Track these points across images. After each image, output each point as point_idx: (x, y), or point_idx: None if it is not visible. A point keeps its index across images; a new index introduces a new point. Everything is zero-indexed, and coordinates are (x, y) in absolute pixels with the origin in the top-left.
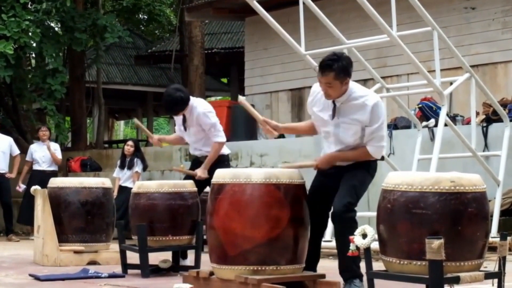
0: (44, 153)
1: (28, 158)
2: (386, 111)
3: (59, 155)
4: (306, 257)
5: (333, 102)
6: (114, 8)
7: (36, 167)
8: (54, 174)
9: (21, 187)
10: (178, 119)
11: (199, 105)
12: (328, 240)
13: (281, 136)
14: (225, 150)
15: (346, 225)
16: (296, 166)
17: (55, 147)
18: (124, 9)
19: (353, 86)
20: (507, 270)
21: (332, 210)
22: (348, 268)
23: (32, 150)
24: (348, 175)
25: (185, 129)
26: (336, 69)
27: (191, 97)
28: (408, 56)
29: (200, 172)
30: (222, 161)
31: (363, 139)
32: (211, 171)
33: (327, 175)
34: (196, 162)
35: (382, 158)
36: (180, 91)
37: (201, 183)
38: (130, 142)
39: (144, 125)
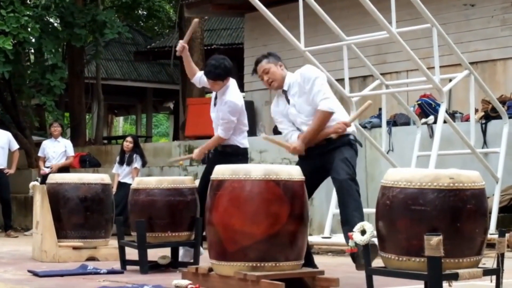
0: (55, 149)
1: (40, 153)
2: (385, 108)
3: (70, 152)
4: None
5: (283, 91)
6: (113, 3)
7: (47, 163)
8: (65, 170)
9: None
10: (213, 93)
11: (230, 95)
12: (327, 237)
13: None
14: (245, 144)
15: (353, 193)
16: (276, 141)
17: (66, 144)
18: (124, 4)
19: (294, 73)
20: (505, 267)
21: (338, 180)
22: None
23: (44, 146)
24: (334, 154)
25: (214, 104)
26: (264, 57)
27: (231, 81)
28: (407, 53)
29: (195, 154)
30: (237, 154)
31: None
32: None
33: (312, 158)
34: (215, 150)
35: (360, 144)
36: (226, 60)
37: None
38: (129, 138)
39: (143, 121)
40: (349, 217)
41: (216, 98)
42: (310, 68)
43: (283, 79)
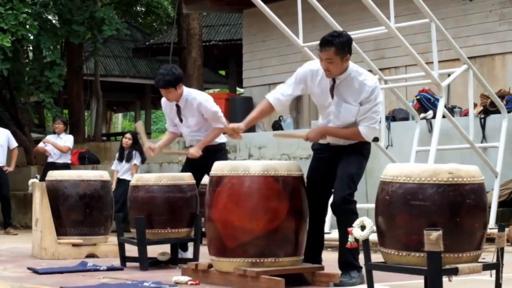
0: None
1: (40, 144)
2: (384, 103)
3: (69, 144)
4: (308, 248)
5: (333, 79)
6: (111, 0)
7: (48, 159)
8: (65, 166)
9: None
10: (171, 112)
11: (198, 95)
12: (327, 232)
13: (280, 128)
14: (223, 138)
15: (346, 217)
16: (287, 135)
17: (66, 139)
18: (122, 1)
19: (353, 66)
20: (505, 261)
21: (332, 202)
22: (347, 261)
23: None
24: (343, 162)
25: (181, 120)
26: (337, 44)
27: (186, 88)
28: (406, 48)
29: (193, 150)
30: (220, 149)
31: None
32: (209, 159)
33: (322, 160)
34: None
35: (376, 139)
36: (174, 67)
37: (198, 174)
38: (128, 135)
39: (142, 118)
40: (341, 241)
41: (179, 113)
42: (377, 85)
43: (340, 73)
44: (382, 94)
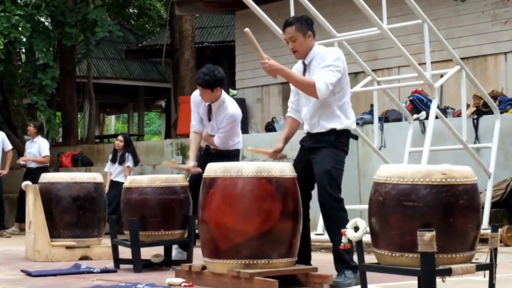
0: (30, 149)
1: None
2: (377, 104)
3: (44, 151)
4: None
5: (304, 63)
6: (104, 2)
7: (28, 164)
8: (42, 170)
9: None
10: (201, 106)
11: (233, 107)
12: (320, 233)
13: (273, 129)
14: (238, 145)
15: (335, 216)
16: (259, 151)
17: (40, 143)
18: (114, 3)
19: (319, 47)
20: (498, 262)
21: (318, 200)
22: (341, 260)
23: (26, 146)
24: (319, 159)
25: (209, 119)
26: (297, 22)
27: (225, 94)
28: (398, 49)
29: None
30: (232, 156)
31: (335, 97)
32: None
33: (304, 151)
34: (207, 154)
35: (356, 138)
36: (217, 69)
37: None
38: (120, 137)
39: (134, 120)
40: (333, 242)
41: (210, 111)
42: (337, 51)
43: (307, 52)
44: (342, 58)
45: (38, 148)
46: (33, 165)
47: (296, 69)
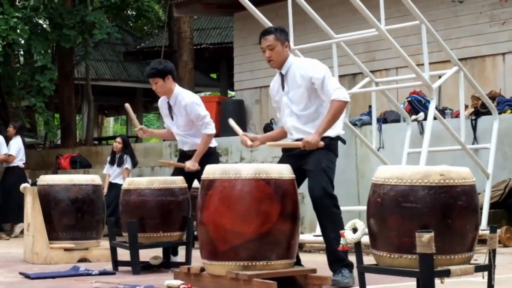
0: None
1: None
2: (375, 105)
3: (10, 150)
4: None
5: (280, 73)
6: (102, 4)
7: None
8: (16, 168)
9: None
10: (164, 108)
11: (188, 96)
12: (319, 235)
13: (271, 130)
14: (213, 143)
15: (329, 212)
16: (283, 144)
17: (12, 142)
18: (113, 5)
19: (295, 58)
20: (497, 263)
21: (311, 198)
22: (337, 258)
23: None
24: (312, 159)
25: (171, 118)
26: (275, 31)
27: (179, 87)
28: (396, 50)
29: (190, 164)
30: (210, 154)
31: (319, 101)
32: (199, 165)
33: (291, 157)
34: (184, 156)
35: (343, 142)
36: (165, 61)
37: (189, 178)
38: (118, 139)
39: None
40: (327, 240)
41: (170, 110)
42: (315, 63)
43: (283, 61)
44: (321, 64)
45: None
46: (10, 164)
47: (275, 82)
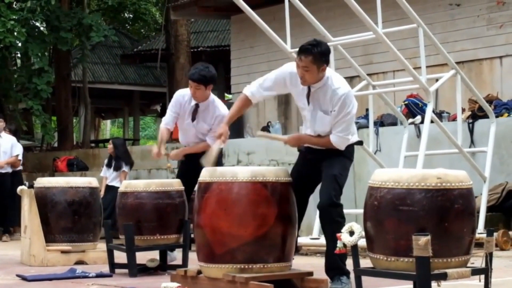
0: None
1: None
2: (372, 108)
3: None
4: None
5: (308, 87)
6: (99, 7)
7: None
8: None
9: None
10: (184, 106)
11: (223, 107)
12: (316, 238)
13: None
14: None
15: (333, 220)
16: (270, 136)
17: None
18: (110, 8)
19: (331, 75)
20: (494, 266)
21: (318, 205)
22: (335, 265)
23: None
24: (326, 165)
25: (193, 119)
26: (315, 53)
27: (212, 94)
28: (393, 53)
29: (173, 153)
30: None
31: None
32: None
33: (306, 162)
34: (190, 157)
35: (361, 143)
36: (210, 67)
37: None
38: (110, 141)
39: (130, 124)
40: (328, 246)
41: (195, 112)
42: (351, 95)
43: (315, 82)
44: (356, 104)
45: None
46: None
47: (295, 82)
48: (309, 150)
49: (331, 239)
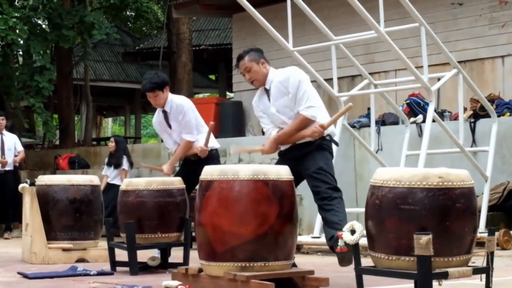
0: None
1: None
2: (374, 107)
3: (19, 147)
4: None
5: (264, 88)
6: (101, 5)
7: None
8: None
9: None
10: (160, 123)
11: (181, 99)
12: (317, 237)
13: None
14: (215, 144)
15: (335, 201)
16: (245, 150)
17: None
18: (112, 6)
19: (272, 71)
20: (495, 265)
21: (318, 195)
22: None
23: None
24: (309, 161)
25: (169, 126)
26: (247, 53)
27: (171, 94)
28: (395, 52)
29: (166, 168)
30: (213, 158)
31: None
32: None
33: (287, 161)
34: (187, 161)
35: (337, 144)
36: (158, 72)
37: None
38: (111, 139)
39: (131, 122)
40: (327, 230)
41: (167, 119)
42: (294, 70)
43: (265, 78)
44: (301, 73)
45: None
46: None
47: (258, 96)
48: (289, 149)
49: (334, 215)
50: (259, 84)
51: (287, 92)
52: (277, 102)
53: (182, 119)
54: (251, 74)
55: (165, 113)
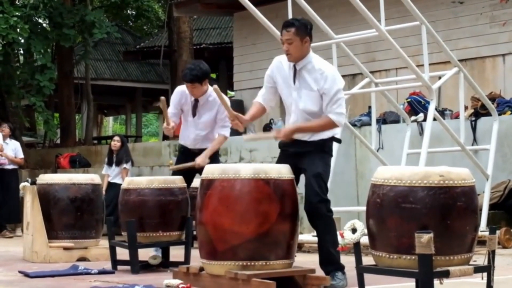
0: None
1: None
2: (375, 106)
3: (20, 154)
4: None
5: (294, 66)
6: (102, 3)
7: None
8: (14, 171)
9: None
10: (185, 102)
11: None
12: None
13: (269, 130)
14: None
15: (324, 216)
16: (258, 137)
17: (15, 147)
18: (112, 4)
19: (314, 57)
20: (496, 264)
21: (307, 204)
22: (330, 261)
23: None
24: (309, 162)
25: (194, 114)
26: (297, 25)
27: (210, 87)
28: (396, 51)
29: (200, 160)
30: (215, 155)
31: (322, 110)
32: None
33: (288, 156)
34: (188, 153)
35: (339, 141)
36: (202, 63)
37: (189, 177)
38: (116, 137)
39: (132, 121)
40: (322, 241)
41: (195, 107)
42: (337, 73)
43: (301, 57)
44: (342, 81)
45: (15, 154)
46: (8, 166)
47: (281, 66)
48: (292, 143)
49: (324, 233)
50: (293, 60)
51: (322, 87)
52: (305, 91)
53: (221, 113)
54: (290, 47)
55: (196, 101)
